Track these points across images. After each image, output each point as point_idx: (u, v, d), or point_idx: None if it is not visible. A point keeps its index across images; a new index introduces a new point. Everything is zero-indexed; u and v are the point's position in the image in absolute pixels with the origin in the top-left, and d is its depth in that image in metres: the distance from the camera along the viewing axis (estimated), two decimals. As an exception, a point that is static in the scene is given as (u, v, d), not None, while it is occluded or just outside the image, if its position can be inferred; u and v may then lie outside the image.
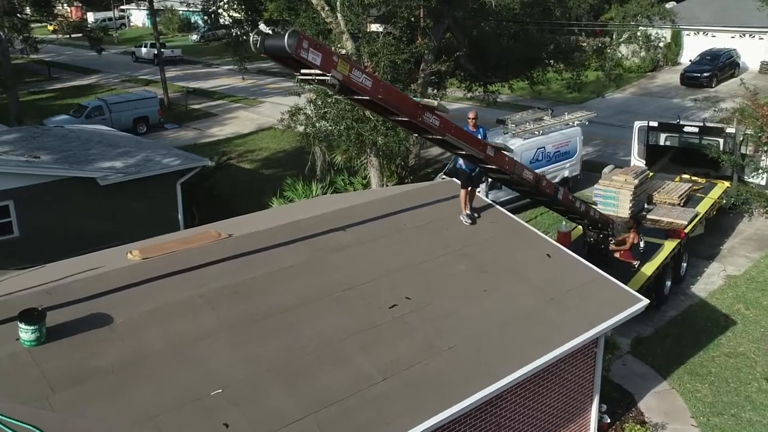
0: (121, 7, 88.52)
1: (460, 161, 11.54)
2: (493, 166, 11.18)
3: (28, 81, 51.46)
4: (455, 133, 9.94)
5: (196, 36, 71.81)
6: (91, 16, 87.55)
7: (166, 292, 9.15)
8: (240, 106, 41.79)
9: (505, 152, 11.25)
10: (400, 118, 9.36)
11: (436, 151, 29.68)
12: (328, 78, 7.90)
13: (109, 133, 22.89)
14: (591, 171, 25.81)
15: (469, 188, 11.78)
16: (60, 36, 57.35)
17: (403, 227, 11.59)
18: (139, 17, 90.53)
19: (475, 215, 11.96)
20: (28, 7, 41.19)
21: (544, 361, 9.40)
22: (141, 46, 60.02)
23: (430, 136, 9.95)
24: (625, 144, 29.30)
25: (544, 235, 12.37)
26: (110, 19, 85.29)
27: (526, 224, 12.46)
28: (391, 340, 9.12)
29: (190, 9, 49.25)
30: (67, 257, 14.69)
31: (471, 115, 11.22)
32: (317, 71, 7.88)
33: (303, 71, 8.03)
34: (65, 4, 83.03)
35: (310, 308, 9.34)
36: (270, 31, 7.86)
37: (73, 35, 54.80)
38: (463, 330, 9.56)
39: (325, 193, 20.61)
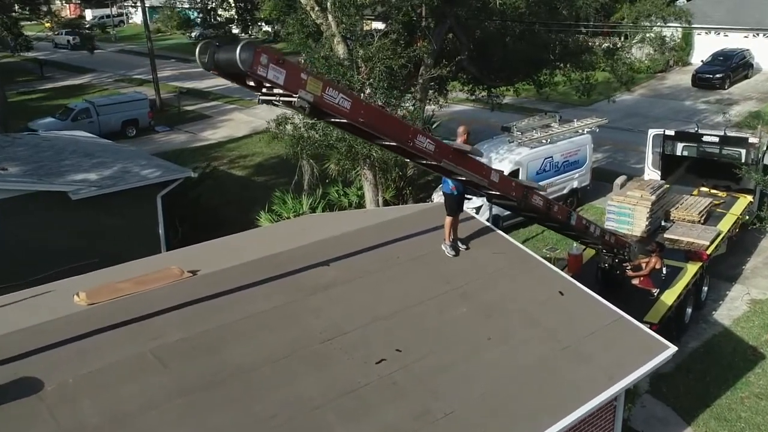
0: (122, 3, 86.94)
1: (449, 184, 10.12)
2: (498, 193, 9.76)
3: (20, 80, 50.08)
4: (454, 159, 8.52)
5: (194, 33, 70.27)
6: (89, 14, 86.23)
7: (112, 347, 7.75)
8: (235, 108, 40.35)
9: (512, 179, 9.81)
10: (387, 143, 7.95)
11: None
12: (295, 100, 6.50)
13: (86, 141, 21.48)
14: (601, 180, 24.37)
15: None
16: (49, 34, 56.37)
17: (396, 261, 10.16)
18: (137, 15, 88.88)
19: (461, 245, 10.57)
20: (16, 5, 39.85)
21: (559, 428, 7.98)
22: (59, 34, 64.11)
23: (424, 162, 8.53)
24: (636, 150, 27.85)
25: (555, 268, 10.93)
26: (108, 16, 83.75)
27: (534, 255, 11.01)
28: (377, 406, 7.72)
29: (177, 6, 47.67)
30: (37, 276, 13.63)
31: (461, 131, 9.82)
32: (281, 91, 6.46)
33: (265, 91, 6.61)
34: (63, 1, 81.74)
35: (282, 366, 7.93)
36: (220, 43, 6.36)
37: (67, 33, 53.67)
38: (463, 390, 8.15)
39: (316, 207, 19.23)
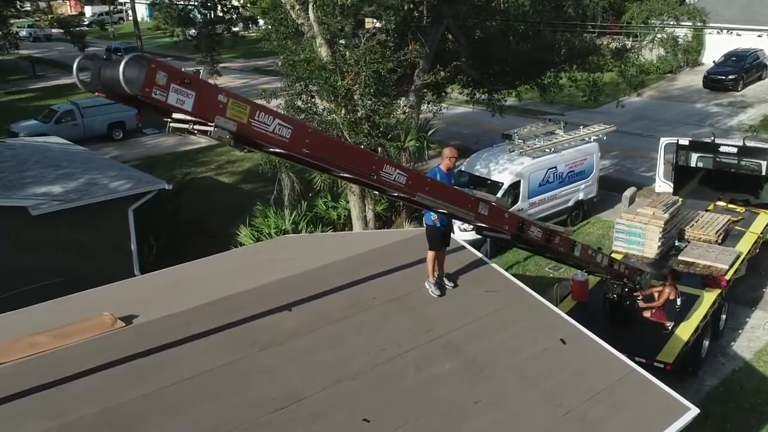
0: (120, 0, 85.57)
1: (432, 214, 8.71)
2: (488, 226, 8.33)
3: (11, 79, 48.77)
4: (431, 192, 7.08)
5: (193, 31, 68.79)
6: (88, 10, 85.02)
7: (12, 424, 6.34)
8: (228, 109, 38.93)
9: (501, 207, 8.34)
10: (345, 175, 6.53)
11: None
12: (211, 129, 5.10)
13: (56, 149, 20.10)
14: (608, 190, 22.86)
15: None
16: (36, 31, 55.27)
17: (370, 303, 8.73)
18: (137, 12, 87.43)
19: (447, 283, 9.17)
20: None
21: None
22: (23, 27, 64.36)
23: (396, 194, 7.10)
24: (646, 156, 26.37)
25: (556, 309, 9.49)
26: (106, 13, 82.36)
27: (532, 293, 9.55)
28: (335, 498, 6.30)
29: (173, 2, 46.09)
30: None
31: (449, 153, 8.50)
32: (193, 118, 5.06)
33: (176, 116, 5.21)
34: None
35: (221, 446, 6.51)
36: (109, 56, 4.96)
37: (58, 30, 52.25)
38: (443, 474, 6.72)
39: (300, 221, 17.80)
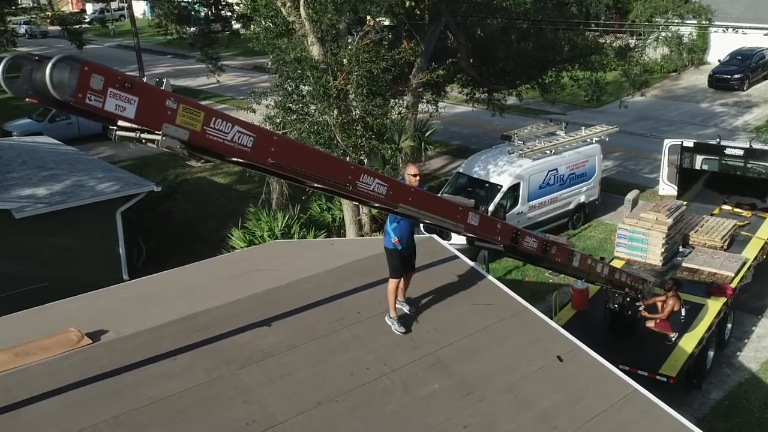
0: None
1: (391, 236, 7.84)
2: (478, 237, 7.83)
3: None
4: (415, 202, 6.56)
5: (193, 29, 68.21)
6: (90, 7, 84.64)
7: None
8: (226, 108, 38.46)
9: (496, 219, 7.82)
10: (319, 186, 6.03)
11: (436, 164, 26.34)
12: (159, 138, 4.62)
13: (44, 149, 19.64)
14: (611, 192, 22.37)
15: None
16: (32, 28, 55.00)
17: (356, 318, 8.25)
18: (138, 8, 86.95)
19: (407, 309, 8.39)
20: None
21: None
22: (19, 25, 63.66)
23: (377, 205, 6.59)
24: (649, 158, 25.90)
25: (554, 324, 8.99)
26: (106, 10, 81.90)
27: (529, 306, 9.06)
28: None
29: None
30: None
31: (412, 171, 7.51)
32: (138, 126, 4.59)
33: (122, 123, 4.72)
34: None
35: (189, 476, 6.05)
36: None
37: (56, 28, 51.92)
38: (428, 507, 6.25)
39: (293, 224, 17.33)
